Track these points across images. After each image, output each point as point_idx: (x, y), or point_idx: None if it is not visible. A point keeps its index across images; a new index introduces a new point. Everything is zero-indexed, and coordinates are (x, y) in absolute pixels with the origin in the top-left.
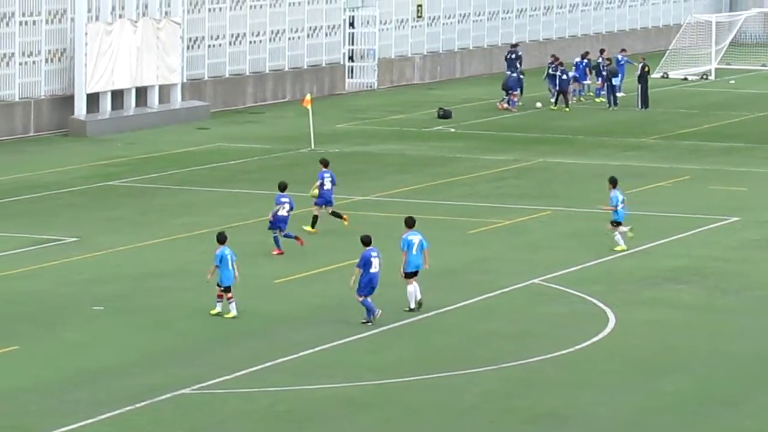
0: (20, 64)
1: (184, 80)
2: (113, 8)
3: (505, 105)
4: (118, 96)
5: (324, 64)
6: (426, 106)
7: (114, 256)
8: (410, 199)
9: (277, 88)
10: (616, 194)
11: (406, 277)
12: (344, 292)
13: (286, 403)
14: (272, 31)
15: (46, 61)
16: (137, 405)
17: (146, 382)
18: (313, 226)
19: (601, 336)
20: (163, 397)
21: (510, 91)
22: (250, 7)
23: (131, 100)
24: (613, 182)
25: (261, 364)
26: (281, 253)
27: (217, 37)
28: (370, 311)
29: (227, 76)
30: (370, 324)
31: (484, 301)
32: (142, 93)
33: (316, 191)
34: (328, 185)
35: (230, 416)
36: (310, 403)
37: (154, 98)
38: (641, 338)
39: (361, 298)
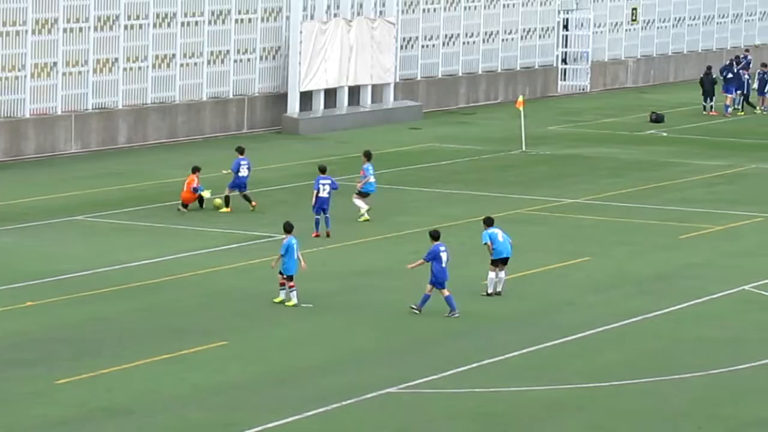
0: (235, 61)
1: (397, 80)
2: (328, 7)
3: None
4: (331, 94)
5: (537, 66)
6: (638, 109)
7: (324, 253)
8: (621, 203)
9: (490, 89)
10: (368, 166)
11: (493, 264)
12: (556, 296)
13: (493, 405)
14: (486, 33)
15: (261, 58)
16: (344, 403)
17: (353, 380)
18: (227, 205)
19: None
20: (370, 395)
21: (727, 95)
22: (465, 8)
23: (344, 98)
24: (368, 155)
25: (467, 365)
26: (318, 236)
27: (431, 38)
28: (424, 302)
29: (440, 76)
30: (417, 312)
31: (693, 307)
32: (354, 92)
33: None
34: (244, 172)
35: (437, 416)
36: (517, 405)
37: (366, 97)
38: None
39: (429, 289)
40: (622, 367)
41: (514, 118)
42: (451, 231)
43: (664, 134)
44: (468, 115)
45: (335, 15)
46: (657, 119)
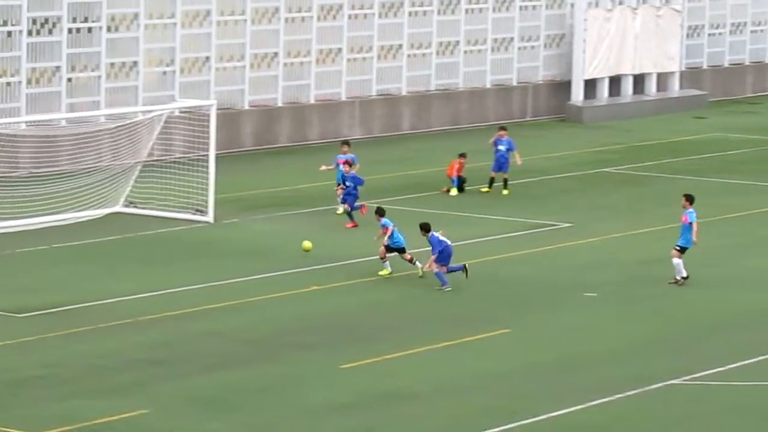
0: (519, 48)
1: (683, 68)
2: None
3: None
4: (615, 82)
5: None
6: None
7: (608, 243)
8: None
9: None
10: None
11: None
12: None
13: None
14: None
15: (545, 46)
16: (627, 393)
17: (636, 370)
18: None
19: None
20: (653, 386)
21: None
22: None
23: (629, 87)
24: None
25: (751, 359)
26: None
27: (718, 26)
28: None
29: (726, 65)
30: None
31: None
32: (639, 80)
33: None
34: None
35: (722, 409)
36: None
37: (651, 86)
38: None
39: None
40: None
41: None
42: (736, 222)
43: None
44: (755, 105)
45: (620, 2)
46: None
